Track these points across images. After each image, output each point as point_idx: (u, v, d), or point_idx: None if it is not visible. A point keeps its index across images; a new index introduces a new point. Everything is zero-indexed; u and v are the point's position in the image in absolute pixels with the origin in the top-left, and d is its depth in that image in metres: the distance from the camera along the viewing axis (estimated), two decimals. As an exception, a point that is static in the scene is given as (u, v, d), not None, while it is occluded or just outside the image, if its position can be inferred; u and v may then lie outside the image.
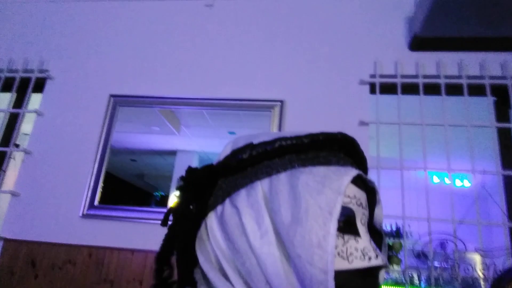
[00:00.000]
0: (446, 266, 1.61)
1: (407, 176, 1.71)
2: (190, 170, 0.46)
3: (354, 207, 0.42)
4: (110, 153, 1.90)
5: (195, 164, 1.38)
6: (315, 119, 1.82)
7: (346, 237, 0.41)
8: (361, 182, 0.45)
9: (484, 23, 1.64)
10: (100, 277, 1.71)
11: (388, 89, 1.84)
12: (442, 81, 1.77)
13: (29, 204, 1.87)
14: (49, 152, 1.95)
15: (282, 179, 0.42)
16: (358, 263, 0.40)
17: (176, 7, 2.16)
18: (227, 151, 0.47)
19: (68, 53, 2.15)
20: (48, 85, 2.09)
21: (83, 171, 1.87)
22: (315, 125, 1.79)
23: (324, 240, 0.37)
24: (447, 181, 2.43)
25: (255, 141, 0.45)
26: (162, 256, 0.43)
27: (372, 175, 1.70)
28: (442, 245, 1.63)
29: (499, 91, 1.79)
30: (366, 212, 0.45)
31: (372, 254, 0.41)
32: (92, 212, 1.79)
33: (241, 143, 0.46)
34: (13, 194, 1.88)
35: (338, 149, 0.47)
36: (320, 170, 0.42)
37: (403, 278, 1.63)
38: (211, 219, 0.44)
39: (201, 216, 0.46)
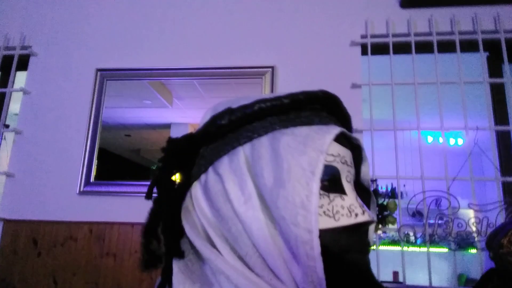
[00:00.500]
0: (440, 223, 1.65)
1: (401, 137, 1.72)
2: (170, 140, 0.46)
3: (338, 165, 0.42)
4: (103, 129, 1.88)
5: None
6: (307, 84, 1.79)
7: (332, 195, 0.41)
8: (346, 140, 0.45)
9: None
10: (102, 251, 1.74)
11: (379, 49, 1.81)
12: (434, 38, 1.74)
13: (25, 184, 1.86)
14: (39, 131, 1.92)
15: (263, 142, 0.42)
16: (345, 220, 0.40)
17: (159, -26, 2.07)
18: (207, 118, 0.46)
19: (51, 27, 2.08)
20: (32, 62, 2.03)
21: (76, 148, 1.86)
22: (307, 89, 1.76)
23: (307, 200, 0.36)
24: (441, 140, 2.44)
25: (234, 106, 0.44)
26: (149, 228, 0.43)
27: (365, 137, 1.70)
28: (437, 202, 1.66)
29: (491, 46, 1.77)
30: (352, 170, 0.44)
31: (358, 210, 0.41)
32: (88, 188, 1.79)
33: (220, 109, 0.45)
34: (8, 175, 1.88)
35: (320, 108, 0.46)
36: (302, 130, 0.42)
37: (398, 237, 1.67)
38: (196, 189, 0.44)
39: (185, 186, 0.45)
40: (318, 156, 0.38)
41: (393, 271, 3.09)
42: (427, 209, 1.62)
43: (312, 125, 0.43)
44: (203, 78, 1.89)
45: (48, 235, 1.78)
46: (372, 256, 0.49)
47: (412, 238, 2.74)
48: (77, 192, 1.80)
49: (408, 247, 2.52)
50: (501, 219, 1.58)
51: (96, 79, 1.92)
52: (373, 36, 1.80)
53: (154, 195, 0.45)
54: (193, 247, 0.42)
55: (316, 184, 0.37)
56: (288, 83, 1.81)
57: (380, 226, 1.64)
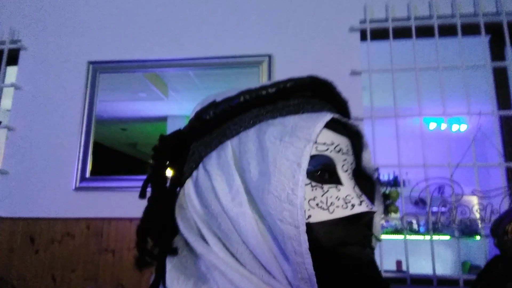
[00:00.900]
0: (444, 211, 1.62)
1: (403, 124, 1.69)
2: (161, 138, 0.45)
3: (332, 154, 0.39)
4: (98, 124, 1.85)
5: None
6: (305, 72, 1.73)
7: (326, 187, 0.39)
8: (342, 126, 0.42)
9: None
10: (100, 247, 1.72)
11: (379, 34, 1.77)
12: (435, 22, 1.70)
13: (20, 181, 1.83)
14: (32, 127, 1.89)
15: (250, 135, 0.40)
16: (340, 212, 0.38)
17: (150, -38, 2.01)
18: (193, 113, 0.45)
19: (40, 19, 2.03)
20: (23, 56, 1.99)
21: (71, 143, 1.82)
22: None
23: (293, 193, 0.35)
24: (443, 127, 2.41)
25: (219, 99, 0.42)
26: (143, 227, 0.42)
27: (366, 126, 1.67)
28: (440, 190, 1.63)
29: (493, 29, 1.73)
30: (349, 158, 0.42)
31: (355, 201, 0.38)
32: (84, 184, 1.76)
33: (205, 103, 0.44)
34: (2, 172, 1.84)
35: (311, 94, 0.44)
36: (290, 120, 0.40)
37: (401, 225, 1.64)
38: (188, 186, 0.44)
39: (177, 184, 0.45)
40: (305, 145, 0.36)
41: (396, 260, 3.08)
42: (430, 197, 1.59)
43: (301, 114, 0.41)
44: (199, 68, 1.84)
45: (45, 232, 1.76)
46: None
47: (415, 227, 2.73)
48: (73, 188, 1.77)
49: (411, 235, 2.51)
50: (505, 206, 1.55)
51: (88, 72, 1.87)
52: (372, 21, 1.76)
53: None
54: (187, 243, 0.41)
55: (302, 176, 0.35)
56: (286, 72, 1.76)
57: (382, 215, 1.62)
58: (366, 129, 1.64)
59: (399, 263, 3.07)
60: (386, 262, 1.56)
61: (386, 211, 1.64)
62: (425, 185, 1.61)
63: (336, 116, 0.40)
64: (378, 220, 0.46)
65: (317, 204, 0.37)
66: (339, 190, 0.39)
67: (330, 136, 0.40)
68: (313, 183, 0.38)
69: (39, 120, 1.89)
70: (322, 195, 0.38)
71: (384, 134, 1.66)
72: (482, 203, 1.56)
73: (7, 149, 1.89)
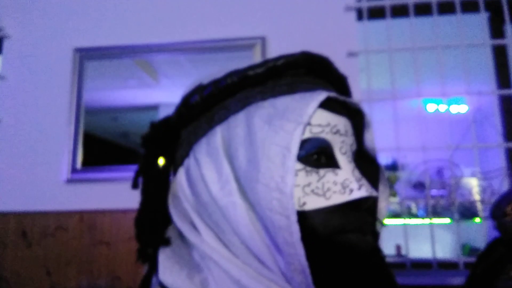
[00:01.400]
0: (443, 194, 1.60)
1: (401, 107, 1.65)
2: (151, 125, 0.43)
3: (328, 136, 0.37)
4: (88, 113, 1.79)
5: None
6: (300, 55, 1.70)
7: (322, 171, 0.36)
8: (339, 105, 0.39)
9: None
10: (95, 239, 1.69)
11: (376, 13, 1.72)
12: (433, -2, 1.65)
13: (8, 174, 1.78)
14: (19, 118, 1.83)
15: (239, 119, 0.38)
16: (337, 198, 0.35)
17: None
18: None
19: (23, 6, 1.95)
20: (6, 45, 1.92)
21: (59, 134, 1.77)
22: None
23: (283, 181, 0.33)
24: (442, 108, 2.37)
25: (205, 81, 0.39)
26: (140, 219, 0.42)
27: (364, 109, 1.62)
28: (439, 172, 1.60)
29: (493, 5, 1.70)
30: (349, 139, 0.38)
31: (354, 186, 0.36)
32: (75, 176, 1.72)
33: (192, 87, 0.41)
34: (-10, 166, 1.79)
35: (305, 72, 0.40)
36: (282, 101, 0.37)
37: (401, 210, 1.62)
38: (181, 175, 0.42)
39: (168, 173, 0.43)
40: (295, 128, 0.34)
41: (396, 244, 3.08)
42: (429, 180, 1.56)
43: (294, 93, 0.38)
44: (189, 53, 1.79)
45: (37, 226, 1.72)
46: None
47: (414, 210, 2.72)
48: (64, 180, 1.73)
49: (410, 219, 2.50)
50: (505, 187, 1.53)
51: (74, 60, 1.81)
52: (368, -1, 1.70)
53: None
54: (180, 233, 0.40)
55: (292, 162, 0.33)
56: (280, 54, 1.71)
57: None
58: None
59: (398, 248, 3.07)
60: (385, 247, 1.54)
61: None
62: (424, 168, 1.58)
63: (332, 94, 0.37)
64: (384, 205, 0.43)
65: (312, 190, 0.35)
66: (336, 175, 0.36)
67: (326, 117, 0.37)
68: (308, 168, 0.36)
69: (26, 111, 1.83)
70: (318, 181, 0.35)
71: (381, 118, 1.62)
72: (482, 184, 1.53)
73: (-6, 141, 1.84)
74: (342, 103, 0.39)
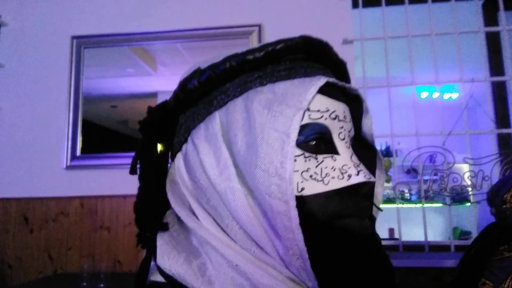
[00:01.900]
0: (435, 179, 1.64)
1: (395, 94, 1.67)
2: (148, 110, 0.42)
3: (327, 122, 0.37)
4: (87, 101, 1.81)
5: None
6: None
7: (320, 157, 0.36)
8: (338, 90, 0.39)
9: None
10: (95, 225, 1.72)
11: (371, 1, 1.73)
12: (428, -14, 1.66)
13: (10, 161, 1.80)
14: (19, 106, 1.84)
15: (238, 104, 0.38)
16: (335, 183, 0.35)
17: None
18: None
19: (20, -6, 1.94)
20: (3, 33, 1.91)
21: (59, 122, 1.79)
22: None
23: (282, 166, 0.33)
24: (435, 95, 2.40)
25: (203, 66, 0.39)
26: (139, 204, 0.41)
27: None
28: (431, 158, 1.64)
29: (487, -8, 1.69)
30: (347, 125, 0.39)
31: (352, 171, 0.36)
32: (75, 163, 1.74)
33: (190, 71, 0.40)
34: (-9, 153, 1.81)
35: (304, 57, 0.40)
36: (281, 86, 0.36)
37: (394, 195, 1.66)
38: (179, 160, 0.42)
39: (166, 158, 0.43)
40: (295, 114, 0.34)
41: (388, 228, 3.14)
42: (422, 166, 1.60)
43: (293, 79, 0.37)
44: (187, 40, 1.79)
45: (39, 212, 1.75)
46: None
47: (407, 195, 2.77)
48: (64, 166, 1.75)
49: (403, 204, 2.55)
50: (496, 172, 1.57)
51: (72, 47, 1.81)
52: (363, -13, 1.71)
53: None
54: (178, 218, 0.40)
55: (291, 148, 0.33)
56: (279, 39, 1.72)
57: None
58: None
59: (391, 231, 3.14)
60: (378, 230, 1.58)
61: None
62: (417, 154, 1.62)
63: (332, 80, 0.37)
64: (380, 191, 0.44)
65: (310, 176, 0.35)
66: (335, 160, 0.36)
67: (325, 102, 0.37)
68: (306, 154, 0.36)
69: (25, 99, 1.84)
70: (316, 166, 0.36)
71: (376, 105, 1.64)
72: (473, 170, 1.57)
73: (-6, 129, 1.85)
74: (341, 88, 0.39)
